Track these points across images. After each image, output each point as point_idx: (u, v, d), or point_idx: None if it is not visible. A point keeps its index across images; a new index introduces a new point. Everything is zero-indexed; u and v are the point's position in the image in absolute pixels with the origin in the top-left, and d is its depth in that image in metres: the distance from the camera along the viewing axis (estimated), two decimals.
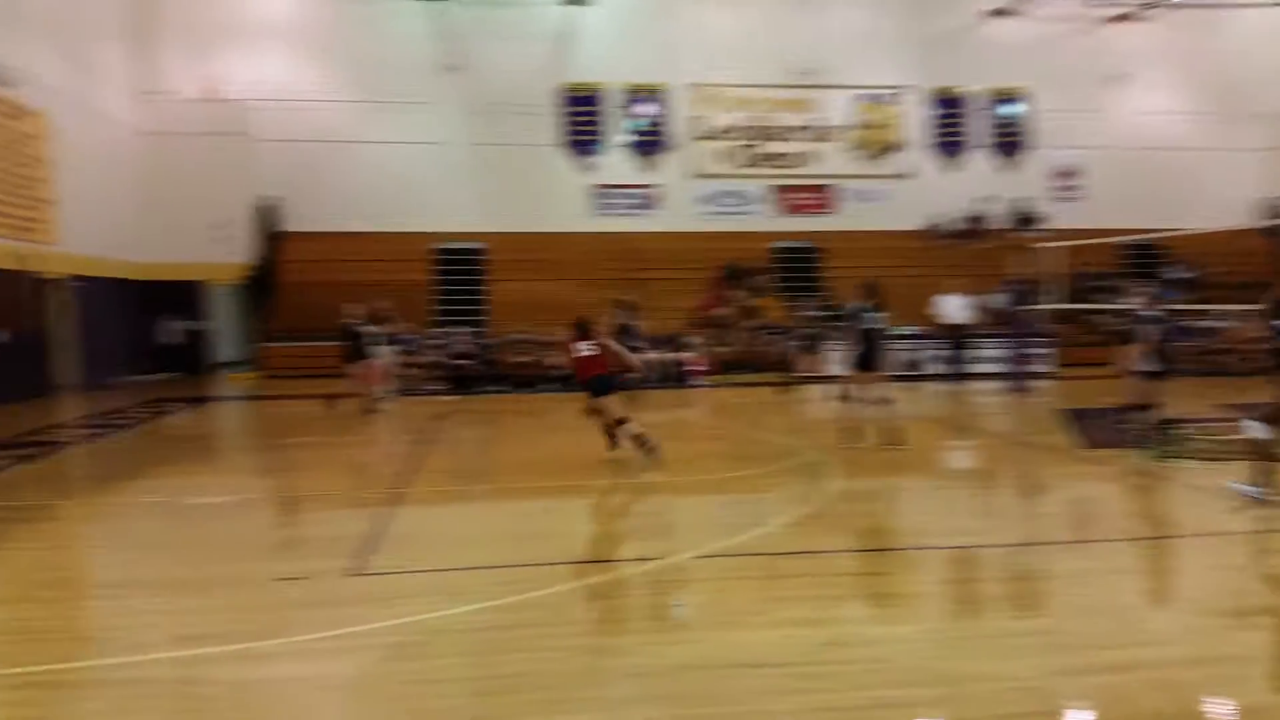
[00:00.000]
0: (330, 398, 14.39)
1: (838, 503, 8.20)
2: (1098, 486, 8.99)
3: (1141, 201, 25.34)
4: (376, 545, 6.68)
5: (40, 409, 15.93)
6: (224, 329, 23.83)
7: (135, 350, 22.20)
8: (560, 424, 14.63)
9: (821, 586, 5.83)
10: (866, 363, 10.68)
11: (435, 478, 9.98)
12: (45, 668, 4.47)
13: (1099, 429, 11.25)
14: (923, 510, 8.21)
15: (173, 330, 23.06)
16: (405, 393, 18.26)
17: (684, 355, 20.40)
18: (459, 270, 24.77)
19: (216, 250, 22.92)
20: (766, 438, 12.25)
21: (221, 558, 6.56)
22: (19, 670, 4.43)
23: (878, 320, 10.62)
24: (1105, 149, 26.89)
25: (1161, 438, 9.88)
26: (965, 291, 19.74)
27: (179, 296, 22.70)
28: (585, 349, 10.35)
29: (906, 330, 21.46)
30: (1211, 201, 25.14)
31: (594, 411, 10.38)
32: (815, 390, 17.10)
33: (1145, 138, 26.94)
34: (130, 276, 21.83)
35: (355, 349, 14.91)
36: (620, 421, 10.07)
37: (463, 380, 19.47)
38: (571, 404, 16.56)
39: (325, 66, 25.04)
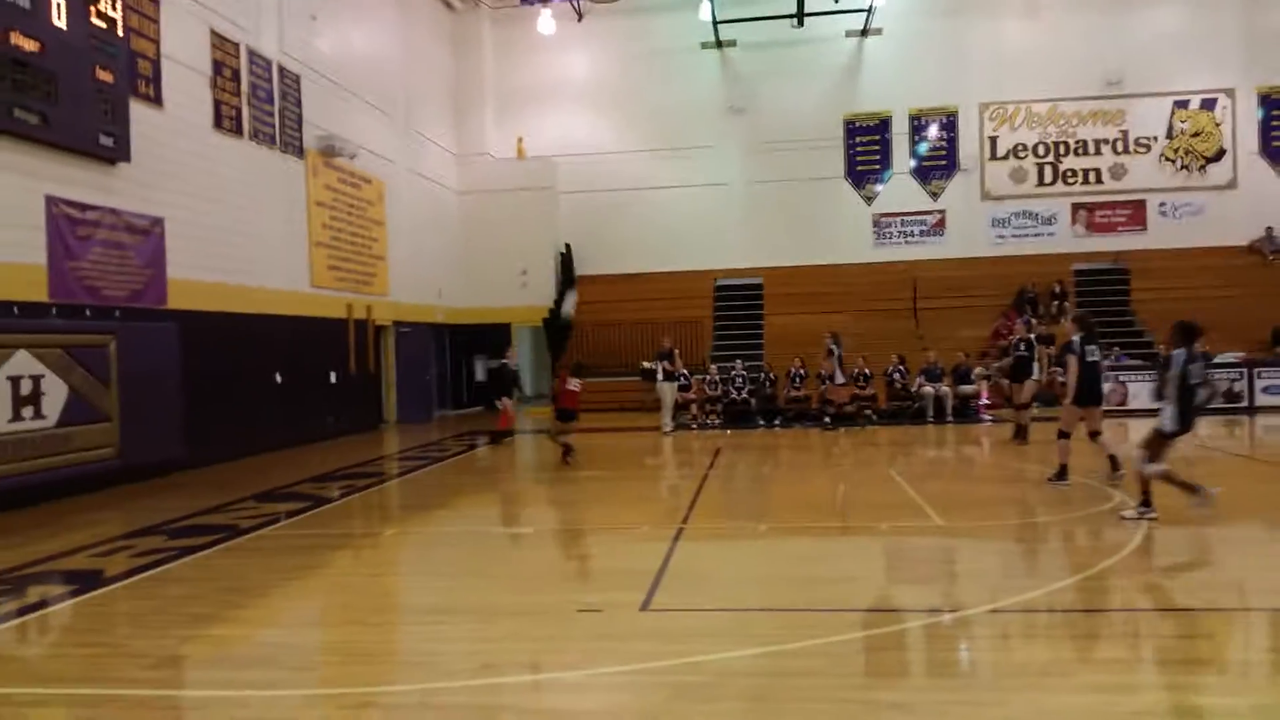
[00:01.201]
0: (495, 435, 16.87)
1: (1143, 554, 7.47)
2: None
3: None
4: (663, 580, 6.91)
5: (369, 442, 17.96)
6: (526, 367, 25.84)
7: (449, 387, 24.55)
8: (834, 460, 14.44)
9: (1130, 648, 5.35)
10: (1087, 397, 10.37)
11: (714, 513, 10.16)
12: (371, 689, 4.95)
13: None
14: (1244, 564, 7.26)
15: (480, 368, 25.29)
16: (683, 426, 18.80)
17: (972, 388, 19.41)
18: (737, 305, 25.23)
19: (521, 294, 24.96)
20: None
21: (524, 587, 7.04)
22: (349, 690, 4.96)
23: (1095, 353, 10.42)
24: None
25: None
26: None
27: (487, 337, 24.85)
28: (576, 385, 13.31)
29: (1231, 358, 19.16)
30: None
31: (563, 433, 13.38)
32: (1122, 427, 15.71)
33: None
34: (445, 321, 24.18)
35: (503, 385, 16.90)
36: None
37: (739, 414, 19.69)
38: (845, 439, 16.32)
39: (620, 120, 26.55)
